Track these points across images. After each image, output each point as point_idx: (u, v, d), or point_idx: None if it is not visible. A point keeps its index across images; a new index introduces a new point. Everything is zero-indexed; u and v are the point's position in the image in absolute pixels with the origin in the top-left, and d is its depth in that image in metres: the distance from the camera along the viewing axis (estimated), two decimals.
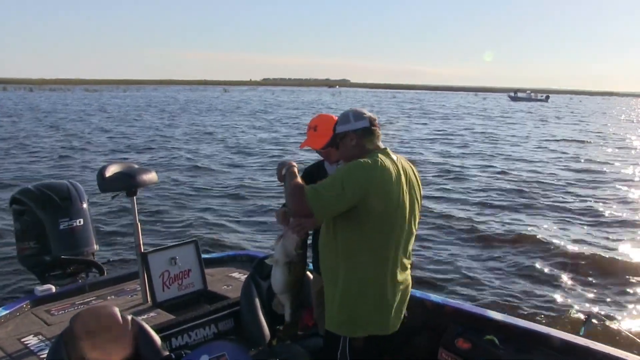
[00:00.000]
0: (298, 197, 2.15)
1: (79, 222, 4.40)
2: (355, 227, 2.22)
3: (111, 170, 3.73)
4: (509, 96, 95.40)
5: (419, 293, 3.34)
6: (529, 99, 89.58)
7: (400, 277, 2.36)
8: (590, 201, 11.44)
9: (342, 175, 2.17)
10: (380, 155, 2.28)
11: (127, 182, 3.69)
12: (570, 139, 25.95)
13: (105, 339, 2.69)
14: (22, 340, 3.21)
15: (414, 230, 2.43)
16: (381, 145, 2.39)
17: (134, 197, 3.79)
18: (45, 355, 2.83)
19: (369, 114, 2.41)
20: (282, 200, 2.71)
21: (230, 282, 4.17)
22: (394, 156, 2.35)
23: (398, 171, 2.28)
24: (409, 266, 2.43)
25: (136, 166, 3.97)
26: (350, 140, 2.37)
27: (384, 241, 2.26)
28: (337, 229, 2.28)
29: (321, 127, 2.84)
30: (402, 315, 2.45)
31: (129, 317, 2.80)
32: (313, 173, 3.02)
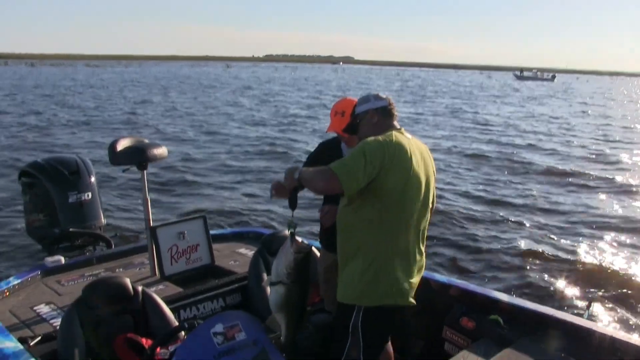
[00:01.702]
0: (326, 174, 2.20)
1: (88, 195, 4.43)
2: (373, 202, 2.28)
3: (122, 144, 3.76)
4: (515, 75, 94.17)
5: (424, 273, 3.38)
6: (535, 78, 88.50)
7: (415, 252, 2.42)
8: (595, 188, 11.46)
9: (363, 148, 2.24)
10: (395, 133, 2.38)
11: (138, 156, 3.72)
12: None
13: (117, 308, 2.75)
14: (34, 308, 3.27)
15: (430, 208, 2.50)
16: (397, 125, 2.49)
17: (144, 172, 3.83)
18: (57, 323, 2.89)
19: (385, 95, 2.53)
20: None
21: (237, 257, 4.21)
22: (408, 135, 2.45)
23: (412, 149, 2.36)
24: (424, 243, 2.49)
25: (147, 141, 3.99)
26: (371, 118, 2.47)
27: (400, 216, 2.31)
28: (356, 204, 2.33)
29: (348, 112, 2.86)
30: (413, 293, 2.49)
31: (140, 288, 2.86)
32: (329, 149, 3.02)
